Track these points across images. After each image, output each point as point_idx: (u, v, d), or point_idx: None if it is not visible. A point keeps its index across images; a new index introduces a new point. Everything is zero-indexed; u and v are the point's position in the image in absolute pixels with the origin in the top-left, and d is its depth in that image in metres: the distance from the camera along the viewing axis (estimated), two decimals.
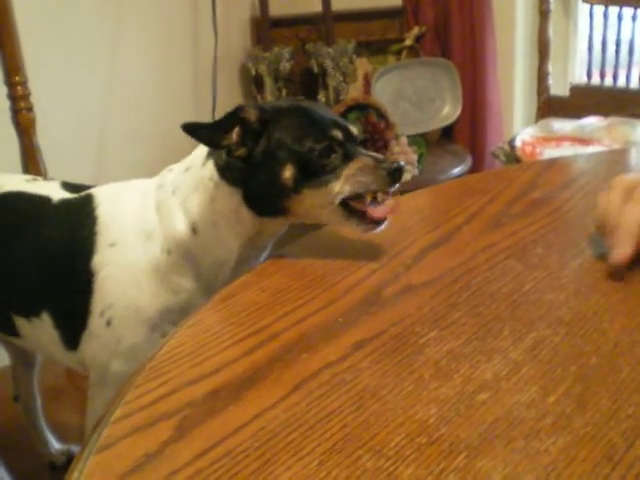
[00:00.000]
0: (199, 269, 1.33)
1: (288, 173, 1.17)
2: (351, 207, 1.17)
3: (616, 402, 0.71)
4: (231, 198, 1.26)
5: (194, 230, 1.30)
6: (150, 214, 1.35)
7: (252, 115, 1.19)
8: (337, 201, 1.17)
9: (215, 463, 0.67)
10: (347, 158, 1.17)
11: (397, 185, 1.16)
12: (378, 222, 1.15)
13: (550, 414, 0.70)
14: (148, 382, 0.80)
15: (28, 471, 2.12)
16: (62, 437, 2.18)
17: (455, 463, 0.65)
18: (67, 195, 1.50)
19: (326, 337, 0.86)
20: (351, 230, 1.18)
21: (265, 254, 1.35)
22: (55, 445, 2.18)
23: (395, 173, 1.14)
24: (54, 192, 1.52)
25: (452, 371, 0.78)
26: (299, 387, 0.77)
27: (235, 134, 1.19)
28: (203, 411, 0.75)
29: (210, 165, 1.28)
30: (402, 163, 1.15)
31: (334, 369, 0.80)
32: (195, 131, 1.17)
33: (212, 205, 1.28)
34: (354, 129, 1.23)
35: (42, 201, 1.50)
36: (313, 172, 1.17)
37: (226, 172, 1.25)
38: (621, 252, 0.93)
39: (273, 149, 1.18)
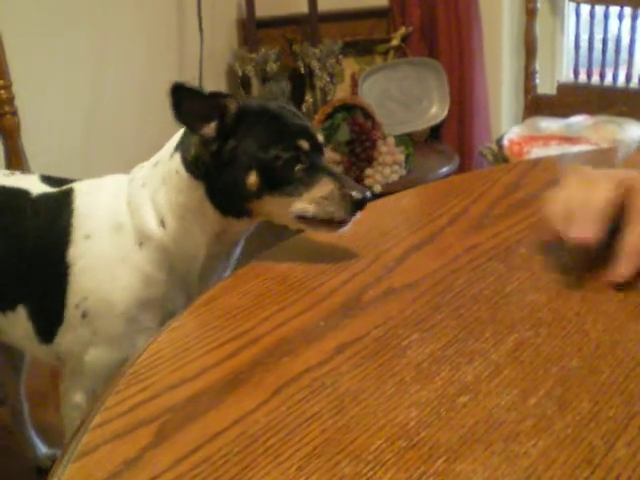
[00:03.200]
0: (171, 262, 1.33)
1: (252, 179, 1.17)
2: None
3: (597, 404, 0.71)
4: (195, 192, 1.26)
5: (162, 223, 1.31)
6: (122, 207, 1.36)
7: (232, 105, 1.19)
8: (296, 215, 1.17)
9: (194, 469, 0.67)
10: (312, 171, 1.16)
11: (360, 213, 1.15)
12: (341, 224, 1.15)
13: (530, 417, 0.70)
14: (128, 388, 0.80)
15: (14, 475, 2.11)
16: (47, 441, 2.17)
17: (435, 467, 0.65)
18: (46, 189, 1.50)
19: (307, 341, 0.86)
20: (314, 232, 1.18)
21: (238, 250, 1.36)
22: (42, 449, 2.17)
23: (361, 203, 1.14)
24: (33, 186, 1.52)
25: (433, 374, 0.78)
26: (279, 391, 0.77)
27: (213, 127, 1.19)
28: (183, 416, 0.74)
29: (177, 158, 1.28)
30: (368, 194, 1.14)
31: (315, 373, 0.79)
32: (181, 98, 1.15)
33: (177, 198, 1.29)
34: (320, 138, 1.23)
35: (20, 194, 1.50)
36: (277, 181, 1.16)
37: (191, 165, 1.26)
38: (584, 231, 0.90)
39: (240, 152, 1.18)
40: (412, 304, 0.92)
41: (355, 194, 1.14)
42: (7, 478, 2.09)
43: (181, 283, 1.35)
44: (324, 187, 1.15)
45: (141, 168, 1.39)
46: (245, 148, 1.18)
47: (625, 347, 0.80)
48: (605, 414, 0.70)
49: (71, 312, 1.40)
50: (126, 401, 0.77)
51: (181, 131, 1.32)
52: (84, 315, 1.39)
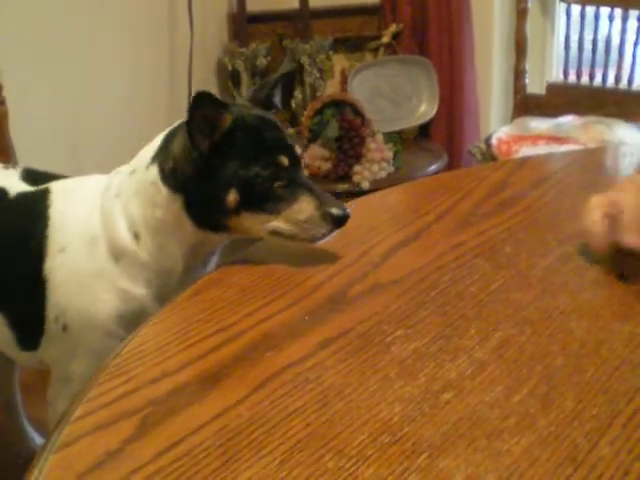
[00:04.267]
0: (148, 276, 1.31)
1: (232, 197, 1.15)
2: None
3: (581, 402, 0.71)
4: (172, 205, 1.23)
5: (136, 236, 1.28)
6: (95, 218, 1.33)
7: (226, 121, 1.17)
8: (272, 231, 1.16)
9: (176, 461, 0.66)
10: (291, 187, 1.15)
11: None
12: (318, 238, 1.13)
13: (514, 414, 0.70)
14: (111, 380, 0.79)
15: (8, 468, 2.08)
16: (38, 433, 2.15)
17: (417, 463, 0.64)
18: (25, 188, 1.48)
19: (291, 335, 0.86)
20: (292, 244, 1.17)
21: (215, 258, 1.34)
22: (37, 440, 2.14)
23: (342, 220, 1.12)
24: (11, 184, 1.49)
25: (417, 370, 0.78)
26: (263, 385, 0.77)
27: (207, 144, 1.17)
28: (166, 409, 0.74)
29: (154, 169, 1.25)
30: (348, 211, 1.12)
31: (299, 368, 0.79)
32: (201, 105, 1.14)
33: (152, 211, 1.25)
34: (298, 150, 1.21)
35: None
36: (256, 198, 1.15)
37: (169, 177, 1.23)
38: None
39: (222, 170, 1.16)
40: (397, 300, 0.92)
41: (335, 211, 1.11)
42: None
43: (159, 296, 1.33)
44: (304, 208, 1.13)
45: (117, 173, 1.36)
46: (227, 165, 1.16)
47: (610, 346, 0.80)
48: (589, 412, 0.70)
49: (51, 325, 1.39)
50: (108, 393, 0.77)
51: (158, 139, 1.29)
52: (64, 329, 1.37)
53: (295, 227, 1.13)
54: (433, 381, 0.76)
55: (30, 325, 1.42)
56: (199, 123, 1.15)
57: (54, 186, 1.44)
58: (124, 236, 1.29)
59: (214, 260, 1.35)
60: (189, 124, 1.15)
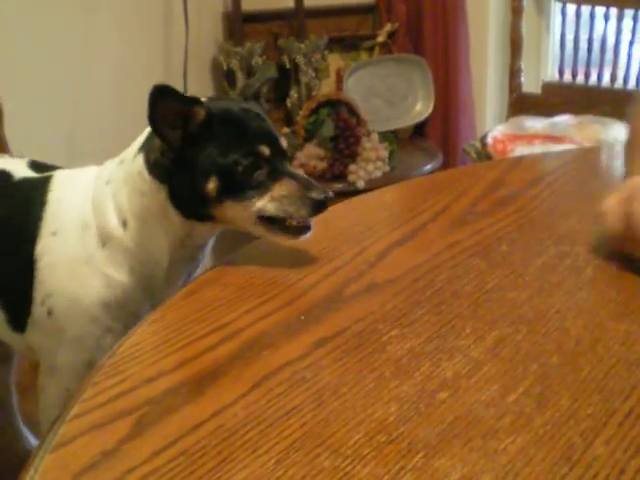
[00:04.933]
0: (132, 264, 1.32)
1: (212, 185, 1.16)
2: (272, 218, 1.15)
3: (576, 401, 0.71)
4: (157, 195, 1.25)
5: (124, 224, 1.30)
6: (87, 205, 1.35)
7: (200, 113, 1.18)
8: (257, 216, 1.16)
9: (172, 461, 0.66)
10: (274, 175, 1.15)
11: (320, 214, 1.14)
12: (302, 231, 1.14)
13: (509, 413, 0.70)
14: (107, 379, 0.79)
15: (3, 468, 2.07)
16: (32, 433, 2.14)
17: (413, 462, 0.65)
18: (30, 174, 1.49)
19: (288, 335, 0.86)
20: (276, 240, 1.17)
21: (205, 254, 1.35)
22: (31, 440, 2.14)
23: (321, 204, 1.13)
24: (17, 169, 1.51)
25: (413, 369, 0.78)
26: (259, 385, 0.77)
27: (178, 135, 1.17)
28: (161, 409, 0.74)
29: (140, 159, 1.27)
30: (330, 194, 1.13)
31: (295, 367, 0.79)
32: (160, 99, 1.14)
33: (140, 200, 1.27)
34: (284, 143, 1.21)
35: (2, 176, 1.49)
36: (236, 186, 1.15)
37: (154, 168, 1.24)
38: None
39: (201, 159, 1.17)
40: (393, 299, 0.92)
41: (315, 195, 1.12)
42: None
43: (144, 287, 1.34)
44: (285, 188, 1.14)
45: (109, 164, 1.38)
46: (206, 154, 1.16)
47: (605, 345, 0.80)
48: (584, 411, 0.70)
49: (37, 308, 1.40)
50: (104, 393, 0.77)
51: (147, 131, 1.31)
52: (50, 312, 1.38)
53: (276, 205, 1.13)
54: (429, 380, 0.76)
55: (18, 306, 1.43)
56: (164, 117, 1.16)
57: (57, 174, 1.46)
58: (112, 222, 1.31)
59: (205, 256, 1.35)
60: (149, 118, 1.16)
